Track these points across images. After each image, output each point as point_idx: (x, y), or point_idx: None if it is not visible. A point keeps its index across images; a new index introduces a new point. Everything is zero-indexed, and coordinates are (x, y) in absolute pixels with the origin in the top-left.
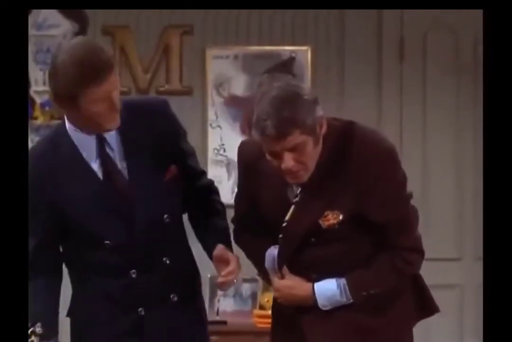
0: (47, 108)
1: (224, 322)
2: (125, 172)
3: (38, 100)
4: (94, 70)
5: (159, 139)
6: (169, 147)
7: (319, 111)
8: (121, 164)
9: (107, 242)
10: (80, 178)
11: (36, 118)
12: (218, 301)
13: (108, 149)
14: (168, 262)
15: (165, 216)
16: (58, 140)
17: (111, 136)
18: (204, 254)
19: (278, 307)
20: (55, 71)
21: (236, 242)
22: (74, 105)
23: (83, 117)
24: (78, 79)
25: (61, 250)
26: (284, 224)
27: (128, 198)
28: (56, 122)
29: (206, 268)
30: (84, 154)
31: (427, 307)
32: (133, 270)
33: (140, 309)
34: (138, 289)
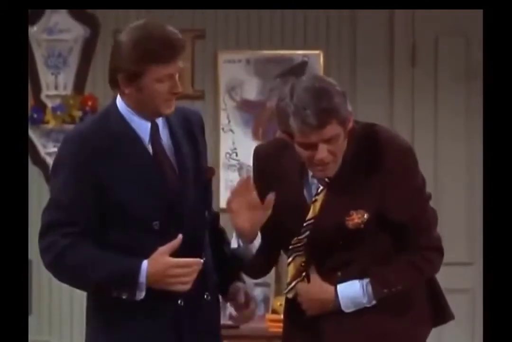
0: (58, 112)
1: (236, 326)
2: (174, 164)
3: (50, 104)
4: (167, 49)
5: (198, 142)
6: (204, 153)
7: (348, 105)
8: (170, 156)
9: (156, 222)
10: (134, 157)
11: (47, 122)
12: (231, 305)
13: (161, 137)
14: (204, 258)
15: (206, 212)
16: (109, 119)
17: (162, 128)
18: None
19: (292, 311)
20: (123, 47)
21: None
22: (137, 83)
23: (143, 96)
24: (148, 55)
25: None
26: (308, 223)
27: (176, 186)
28: (68, 126)
29: None
30: (141, 135)
31: (442, 314)
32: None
33: (179, 300)
34: None
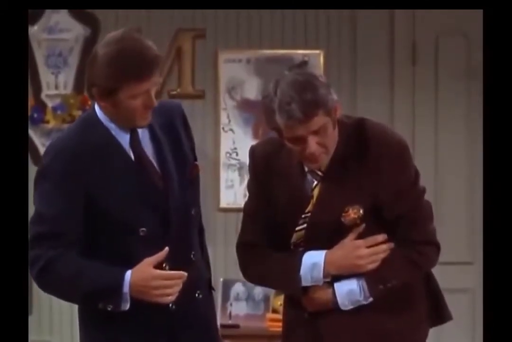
0: (58, 112)
1: (237, 326)
2: (156, 166)
3: (50, 104)
4: (141, 67)
5: (181, 139)
6: (188, 148)
7: (334, 94)
8: (152, 159)
9: (143, 229)
10: (117, 164)
11: (47, 122)
12: (231, 304)
13: (141, 142)
14: (193, 258)
15: (192, 210)
16: (90, 128)
17: (143, 130)
18: (217, 257)
19: (291, 311)
20: (99, 61)
21: (249, 270)
22: (112, 98)
23: (119, 110)
24: (123, 73)
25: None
26: (305, 216)
27: (161, 190)
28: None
29: (218, 271)
30: (121, 142)
31: (441, 314)
32: (165, 264)
33: (170, 304)
34: None
